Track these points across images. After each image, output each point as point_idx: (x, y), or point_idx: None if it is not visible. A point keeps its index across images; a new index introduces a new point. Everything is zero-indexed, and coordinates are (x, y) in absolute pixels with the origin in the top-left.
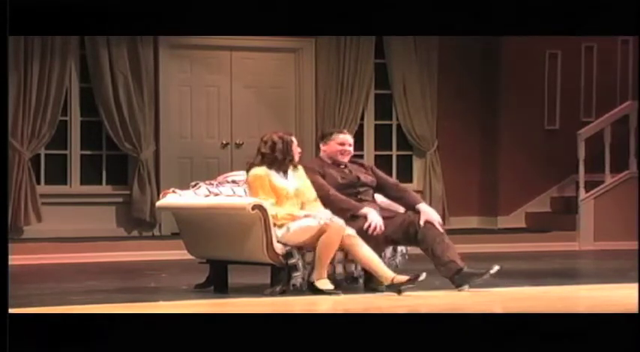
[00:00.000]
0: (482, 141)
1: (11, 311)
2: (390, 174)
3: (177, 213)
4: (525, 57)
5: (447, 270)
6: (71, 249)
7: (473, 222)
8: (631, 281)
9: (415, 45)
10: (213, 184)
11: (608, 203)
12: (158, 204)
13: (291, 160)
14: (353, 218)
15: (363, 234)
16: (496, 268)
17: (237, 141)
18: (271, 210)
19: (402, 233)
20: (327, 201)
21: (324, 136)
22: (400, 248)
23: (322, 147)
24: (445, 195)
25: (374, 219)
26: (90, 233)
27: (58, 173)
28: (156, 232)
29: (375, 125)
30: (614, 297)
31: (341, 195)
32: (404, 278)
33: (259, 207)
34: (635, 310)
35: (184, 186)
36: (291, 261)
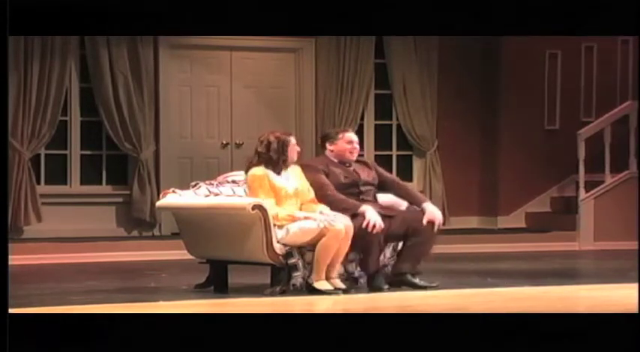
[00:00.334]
0: (483, 141)
1: (11, 311)
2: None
3: (177, 213)
4: (525, 57)
5: (400, 268)
6: (71, 249)
7: (473, 222)
8: (631, 281)
9: (415, 45)
10: (213, 184)
11: (608, 203)
12: (158, 204)
13: (285, 161)
14: (352, 217)
15: (364, 233)
16: (434, 285)
17: (237, 141)
18: (272, 210)
19: (402, 231)
20: (326, 201)
21: (330, 136)
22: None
23: (329, 146)
24: (445, 195)
25: (372, 217)
26: (90, 233)
27: (58, 173)
28: (156, 232)
29: (375, 125)
30: (614, 297)
31: (340, 195)
32: (335, 285)
33: (259, 207)
34: (635, 310)
35: (184, 186)
36: (291, 261)
